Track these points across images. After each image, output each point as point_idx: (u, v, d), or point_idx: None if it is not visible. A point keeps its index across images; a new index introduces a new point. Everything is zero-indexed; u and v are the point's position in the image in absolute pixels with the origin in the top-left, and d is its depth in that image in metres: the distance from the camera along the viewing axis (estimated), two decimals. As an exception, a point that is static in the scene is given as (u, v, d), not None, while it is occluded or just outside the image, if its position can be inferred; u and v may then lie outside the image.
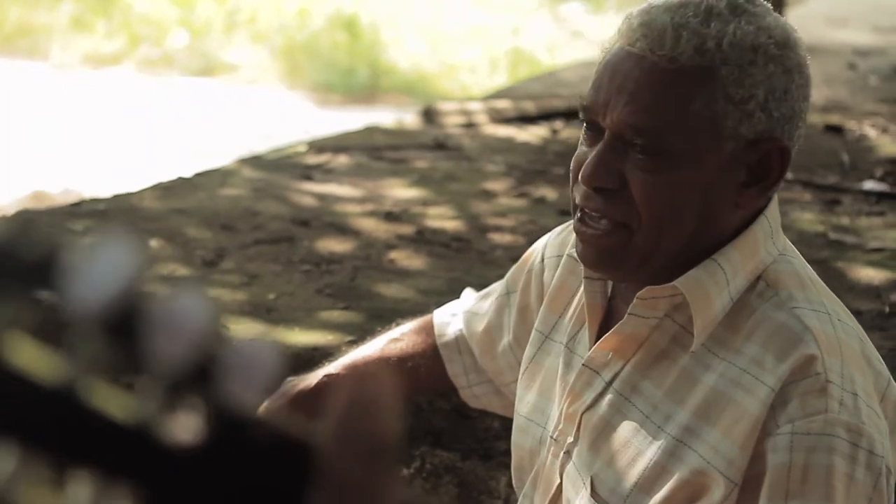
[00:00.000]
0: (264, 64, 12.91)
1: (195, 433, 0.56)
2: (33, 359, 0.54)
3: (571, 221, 1.92)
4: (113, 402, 0.55)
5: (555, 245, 1.92)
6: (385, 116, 8.17)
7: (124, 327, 0.55)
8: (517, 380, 1.94)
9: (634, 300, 1.63)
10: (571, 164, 1.66)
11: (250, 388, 0.57)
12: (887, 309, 3.52)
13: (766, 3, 1.64)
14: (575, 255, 1.84)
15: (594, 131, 1.63)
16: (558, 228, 1.95)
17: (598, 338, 1.72)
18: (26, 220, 0.56)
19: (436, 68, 12.95)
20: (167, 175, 4.77)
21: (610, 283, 1.74)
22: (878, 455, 1.50)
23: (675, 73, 1.56)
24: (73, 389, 0.54)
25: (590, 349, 1.72)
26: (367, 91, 12.37)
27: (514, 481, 1.89)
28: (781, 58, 1.58)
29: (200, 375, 0.56)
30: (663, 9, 1.58)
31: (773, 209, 1.66)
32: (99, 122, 10.13)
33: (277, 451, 0.58)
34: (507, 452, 2.78)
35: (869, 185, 4.93)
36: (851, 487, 1.48)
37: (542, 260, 1.92)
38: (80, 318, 0.54)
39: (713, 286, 1.59)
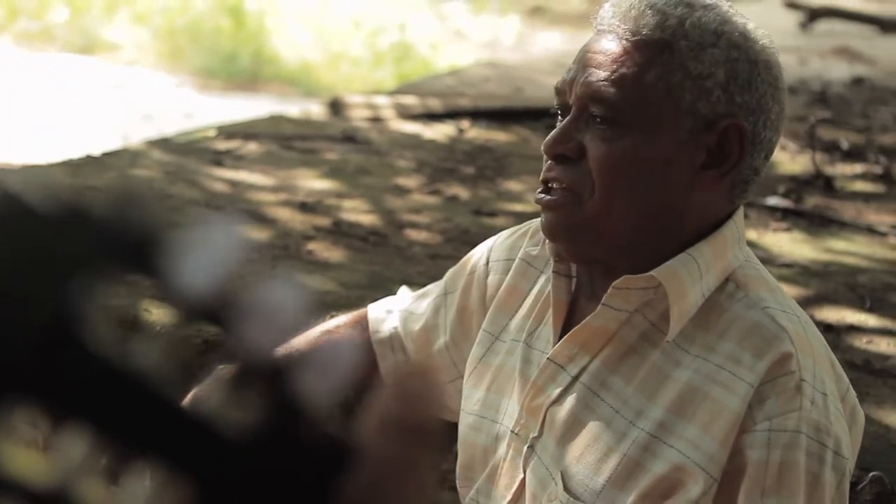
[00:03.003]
0: (146, 45, 12.71)
1: (258, 423, 0.56)
2: (113, 343, 0.53)
3: (520, 226, 1.92)
4: (185, 391, 0.54)
5: (502, 249, 1.91)
6: (269, 105, 8.10)
7: (218, 314, 0.54)
8: (452, 381, 1.92)
9: (610, 290, 1.62)
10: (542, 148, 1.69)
11: (327, 379, 0.57)
12: (802, 324, 3.56)
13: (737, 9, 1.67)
14: (528, 258, 1.84)
15: (565, 116, 1.65)
16: (506, 232, 1.94)
17: (561, 334, 1.71)
18: (130, 197, 0.54)
19: (319, 59, 12.89)
20: (48, 151, 4.67)
21: (574, 281, 1.74)
22: (843, 457, 1.52)
23: (635, 44, 1.59)
24: (148, 377, 0.53)
25: (553, 344, 1.71)
26: (249, 78, 12.26)
27: (459, 480, 1.86)
28: (746, 48, 1.60)
29: (282, 365, 0.55)
30: None
31: (739, 217, 1.67)
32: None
33: (322, 439, 0.58)
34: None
35: (773, 200, 5.02)
36: (818, 487, 1.49)
37: (487, 263, 1.91)
38: (178, 302, 0.53)
39: (688, 278, 1.60)
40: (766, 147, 1.64)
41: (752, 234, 4.57)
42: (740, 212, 1.68)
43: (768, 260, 4.24)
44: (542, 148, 1.65)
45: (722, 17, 1.60)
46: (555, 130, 1.63)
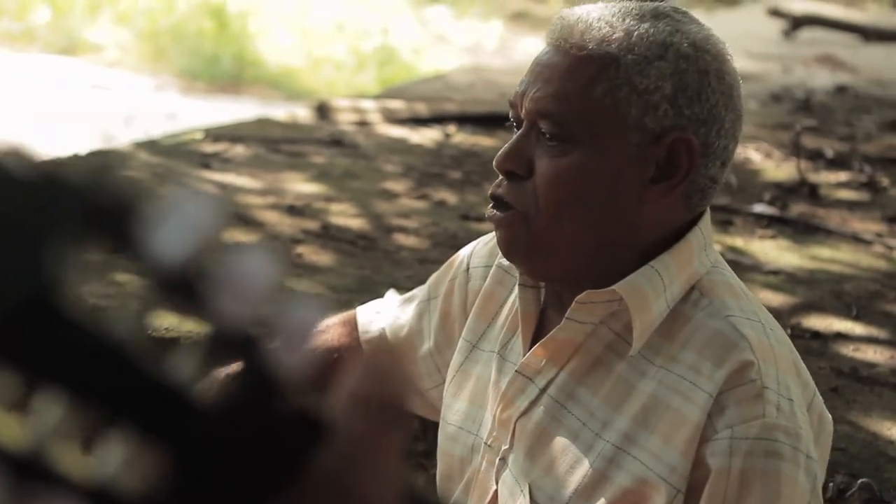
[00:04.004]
0: (128, 46, 12.69)
1: (229, 393, 0.57)
2: (90, 311, 0.53)
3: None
4: (159, 359, 0.55)
5: (482, 255, 1.91)
6: (252, 108, 8.10)
7: (192, 285, 0.55)
8: (436, 386, 1.93)
9: (573, 304, 1.62)
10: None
11: (298, 351, 0.58)
12: (789, 331, 3.59)
13: (693, 15, 1.67)
14: (504, 265, 1.84)
15: (519, 128, 1.65)
16: (485, 238, 1.94)
17: (532, 345, 1.71)
18: (105, 166, 0.55)
19: (302, 62, 12.88)
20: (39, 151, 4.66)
21: (543, 292, 1.74)
22: (813, 459, 1.51)
23: (581, 60, 1.58)
24: (125, 343, 0.54)
25: (523, 356, 1.72)
26: (231, 81, 12.25)
27: (439, 489, 1.87)
28: (695, 58, 1.58)
29: (251, 336, 0.56)
30: (586, 9, 1.63)
31: (706, 222, 1.66)
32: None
33: (293, 414, 0.59)
34: (426, 453, 2.77)
35: (759, 208, 5.04)
36: (796, 490, 1.48)
37: (468, 269, 1.91)
38: (152, 271, 0.54)
39: (651, 291, 1.59)
40: (722, 155, 1.62)
41: (738, 241, 4.59)
42: (706, 217, 1.67)
43: (754, 267, 4.26)
44: (493, 163, 1.65)
45: (672, 28, 1.59)
46: (505, 146, 1.63)
